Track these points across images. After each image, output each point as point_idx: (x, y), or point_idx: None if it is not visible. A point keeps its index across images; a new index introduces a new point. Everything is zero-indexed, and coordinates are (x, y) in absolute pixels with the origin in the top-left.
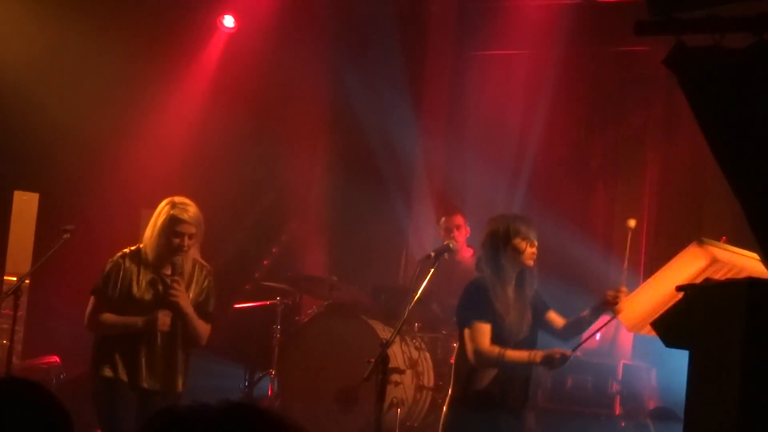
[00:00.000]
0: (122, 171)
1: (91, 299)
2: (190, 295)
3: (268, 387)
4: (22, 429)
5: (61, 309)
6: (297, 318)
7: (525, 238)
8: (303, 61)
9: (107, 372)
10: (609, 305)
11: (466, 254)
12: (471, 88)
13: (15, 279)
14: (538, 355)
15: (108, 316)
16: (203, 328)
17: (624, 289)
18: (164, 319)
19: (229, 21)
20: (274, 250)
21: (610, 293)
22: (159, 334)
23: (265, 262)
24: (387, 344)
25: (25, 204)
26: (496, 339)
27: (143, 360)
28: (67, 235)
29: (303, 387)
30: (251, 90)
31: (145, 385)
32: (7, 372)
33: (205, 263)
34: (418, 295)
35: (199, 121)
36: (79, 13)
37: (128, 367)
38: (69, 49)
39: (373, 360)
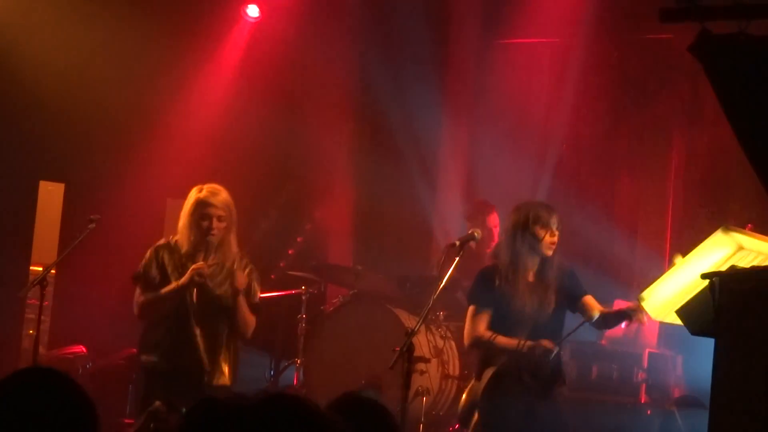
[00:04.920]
0: (147, 161)
1: (137, 289)
2: (232, 284)
3: (293, 376)
4: (47, 418)
5: (87, 299)
6: (322, 307)
7: (545, 226)
8: (328, 49)
9: (148, 358)
10: (629, 316)
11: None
12: (496, 76)
13: (41, 269)
14: (526, 344)
15: (149, 295)
16: (249, 318)
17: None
18: (198, 271)
19: (253, 10)
20: (298, 239)
21: (633, 305)
22: (200, 323)
23: (289, 252)
24: (412, 333)
25: (51, 194)
26: (503, 322)
27: (184, 346)
28: (92, 225)
29: (328, 376)
30: (276, 79)
31: (185, 370)
32: (33, 362)
33: (244, 254)
34: (444, 283)
35: (225, 110)
36: (102, 5)
37: (168, 353)
38: (94, 40)
39: (398, 349)
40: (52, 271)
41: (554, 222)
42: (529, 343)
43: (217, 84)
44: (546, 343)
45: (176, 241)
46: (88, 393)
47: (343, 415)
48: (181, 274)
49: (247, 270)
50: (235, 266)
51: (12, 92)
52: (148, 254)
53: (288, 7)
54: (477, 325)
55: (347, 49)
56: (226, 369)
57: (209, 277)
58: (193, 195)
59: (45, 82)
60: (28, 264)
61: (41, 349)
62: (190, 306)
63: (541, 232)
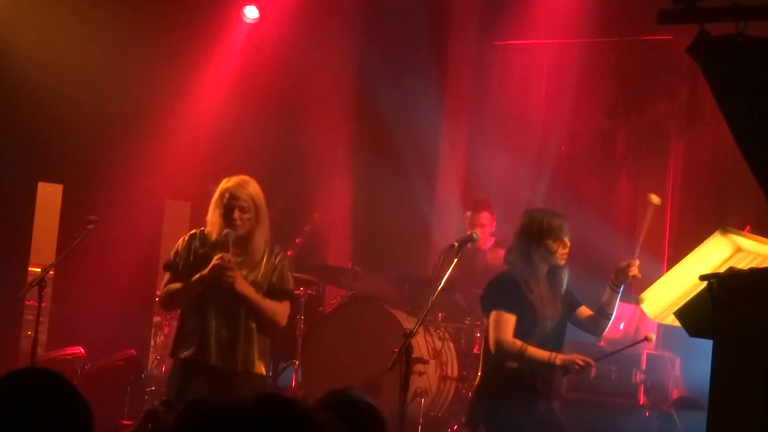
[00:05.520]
0: (146, 162)
1: (166, 276)
2: (260, 273)
3: (291, 377)
4: (42, 418)
5: (86, 300)
6: (320, 308)
7: (557, 240)
8: (327, 51)
9: (180, 353)
10: (623, 275)
11: (488, 245)
12: (495, 78)
13: (39, 270)
14: (558, 357)
15: (174, 284)
16: (276, 307)
17: (636, 261)
18: (220, 262)
19: (251, 12)
20: (297, 240)
21: (622, 263)
22: (230, 315)
23: (288, 253)
24: (411, 334)
25: (49, 195)
26: (526, 330)
27: (214, 339)
28: (91, 226)
29: (326, 377)
30: (275, 80)
31: (216, 364)
32: (32, 363)
33: (275, 244)
34: (442, 284)
35: (223, 112)
36: (101, 5)
37: (200, 347)
38: (93, 41)
39: (396, 350)
40: (51, 272)
41: (565, 232)
42: (560, 356)
43: (215, 85)
44: (580, 356)
45: (208, 230)
46: (85, 394)
47: (330, 412)
48: (207, 264)
49: (278, 258)
50: (264, 259)
51: (10, 93)
52: (180, 242)
53: (286, 9)
54: (505, 332)
55: (346, 51)
56: (258, 359)
57: (234, 269)
58: (221, 186)
59: (43, 83)
60: (27, 265)
61: (40, 351)
62: (217, 299)
63: (554, 246)
